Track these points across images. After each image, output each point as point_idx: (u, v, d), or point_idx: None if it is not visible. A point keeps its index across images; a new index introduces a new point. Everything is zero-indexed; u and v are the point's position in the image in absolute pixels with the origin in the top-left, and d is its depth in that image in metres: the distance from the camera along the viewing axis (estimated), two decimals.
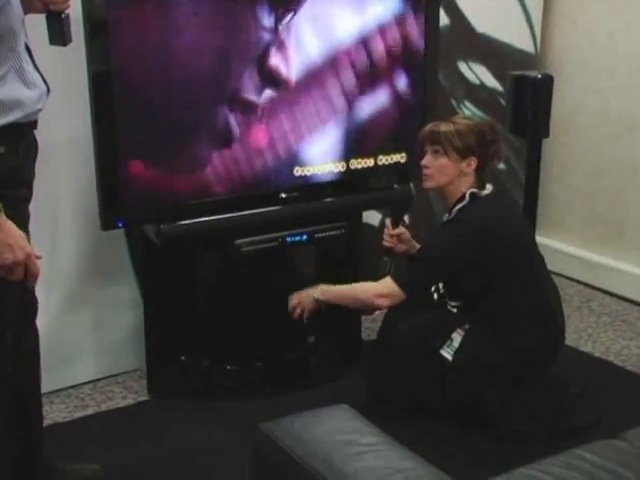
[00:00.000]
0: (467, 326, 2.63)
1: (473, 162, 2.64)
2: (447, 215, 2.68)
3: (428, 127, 2.69)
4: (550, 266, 2.89)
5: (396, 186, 3.17)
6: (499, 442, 2.64)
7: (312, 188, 3.00)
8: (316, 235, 3.00)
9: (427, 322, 2.69)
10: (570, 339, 2.91)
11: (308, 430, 1.57)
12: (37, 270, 1.87)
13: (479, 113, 3.95)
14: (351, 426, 1.61)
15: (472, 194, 2.63)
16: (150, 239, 2.80)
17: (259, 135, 2.82)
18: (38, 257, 1.87)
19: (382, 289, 2.59)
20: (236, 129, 2.77)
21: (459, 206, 2.63)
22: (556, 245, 4.27)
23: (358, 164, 3.07)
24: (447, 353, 2.62)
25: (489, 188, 2.68)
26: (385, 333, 2.84)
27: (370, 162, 3.09)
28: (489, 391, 2.66)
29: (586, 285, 4.13)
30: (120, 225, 2.73)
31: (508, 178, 4.13)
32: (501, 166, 4.07)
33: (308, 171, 2.97)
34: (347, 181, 3.07)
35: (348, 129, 3.01)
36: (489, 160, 2.69)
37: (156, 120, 2.64)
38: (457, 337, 2.62)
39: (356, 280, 3.45)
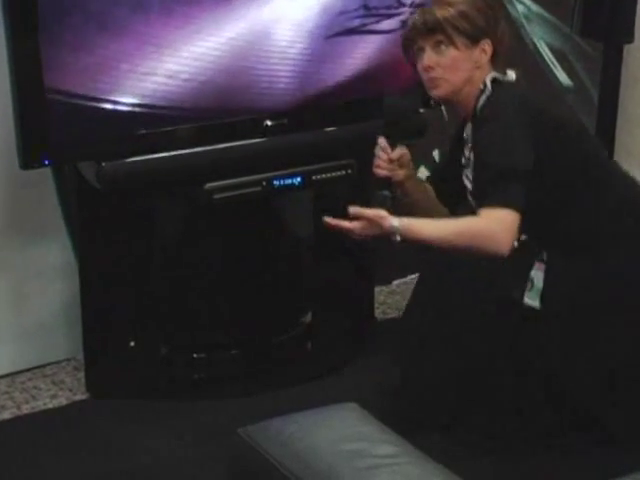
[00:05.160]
0: (545, 257, 2.67)
1: (487, 46, 2.67)
2: (470, 126, 2.70)
3: (417, 17, 2.70)
4: None
5: (422, 110, 3.18)
6: (565, 454, 2.69)
7: (308, 112, 3.01)
8: (313, 177, 3.01)
9: (490, 269, 2.71)
10: None
11: (304, 436, 1.61)
12: None
13: (536, 9, 3.94)
14: (361, 431, 1.64)
15: (494, 80, 2.67)
16: (88, 182, 2.82)
17: (233, 37, 2.82)
18: None
19: (490, 222, 2.52)
20: (197, 25, 2.76)
21: (481, 101, 2.65)
22: None
23: None
24: (532, 300, 2.66)
25: (512, 75, 2.71)
26: (423, 303, 2.87)
27: None
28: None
29: None
30: (47, 163, 2.74)
31: (576, 98, 4.13)
32: (566, 82, 4.07)
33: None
34: (358, 103, 3.07)
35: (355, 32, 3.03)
36: (501, 44, 2.71)
37: (91, 17, 2.62)
38: (538, 274, 2.66)
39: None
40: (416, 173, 2.85)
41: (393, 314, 3.58)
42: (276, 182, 2.96)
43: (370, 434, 1.64)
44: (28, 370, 3.22)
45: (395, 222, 2.51)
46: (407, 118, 2.82)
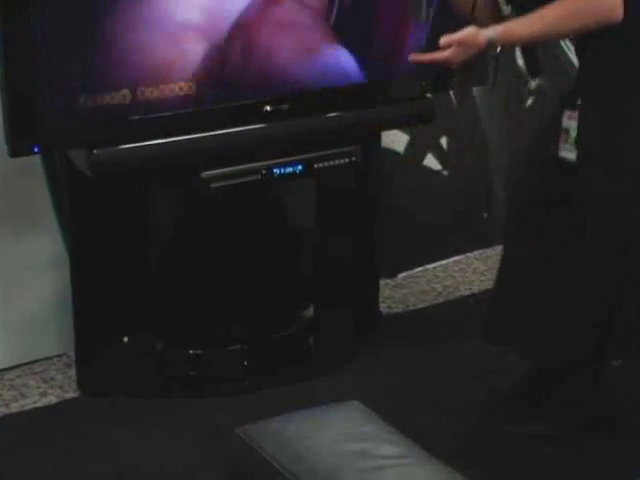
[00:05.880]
0: (579, 101, 2.62)
1: None
2: None
3: None
4: None
5: (430, 96, 3.17)
6: (567, 454, 2.69)
7: (310, 97, 3.01)
8: (315, 165, 3.01)
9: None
10: None
11: (305, 436, 1.61)
12: None
13: None
14: (364, 431, 1.64)
15: None
16: (79, 170, 2.81)
17: (231, 17, 2.82)
18: None
19: None
20: (198, 6, 2.76)
21: None
22: None
23: None
24: (568, 152, 2.62)
25: None
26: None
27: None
28: None
29: None
30: (36, 150, 2.73)
31: None
32: None
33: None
34: (362, 88, 3.08)
35: (363, 10, 3.01)
36: None
37: None
38: (572, 124, 2.62)
39: (371, 227, 3.43)
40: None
41: (398, 309, 3.58)
42: (276, 170, 2.95)
43: (374, 434, 1.64)
44: (17, 367, 3.22)
45: (489, 32, 2.50)
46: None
